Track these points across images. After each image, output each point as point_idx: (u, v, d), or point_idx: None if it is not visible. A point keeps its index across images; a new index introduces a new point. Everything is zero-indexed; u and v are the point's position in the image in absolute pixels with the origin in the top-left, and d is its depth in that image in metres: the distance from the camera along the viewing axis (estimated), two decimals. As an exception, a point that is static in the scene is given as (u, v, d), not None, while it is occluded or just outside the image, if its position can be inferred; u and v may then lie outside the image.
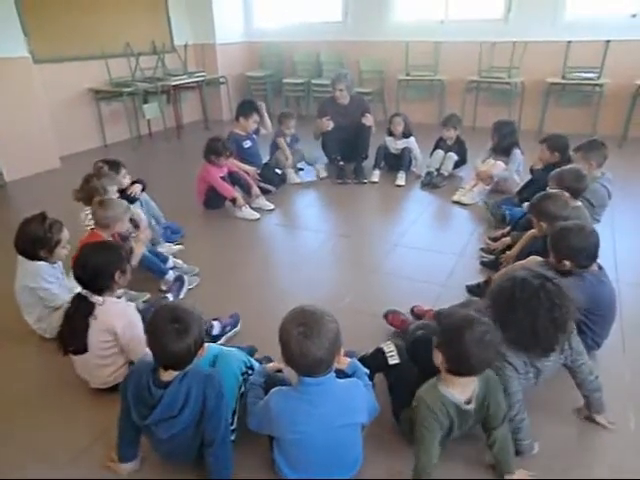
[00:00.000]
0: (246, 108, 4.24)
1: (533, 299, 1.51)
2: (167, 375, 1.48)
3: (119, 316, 1.87)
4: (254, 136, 4.36)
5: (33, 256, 2.21)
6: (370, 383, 1.64)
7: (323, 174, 4.51)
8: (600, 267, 2.02)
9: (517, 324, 1.53)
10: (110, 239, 2.45)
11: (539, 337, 1.52)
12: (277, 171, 4.32)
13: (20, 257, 2.24)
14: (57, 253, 2.25)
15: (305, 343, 1.34)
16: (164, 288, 2.68)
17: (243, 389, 1.68)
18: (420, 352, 1.73)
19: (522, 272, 1.61)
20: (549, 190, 2.53)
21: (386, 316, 2.33)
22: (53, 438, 1.79)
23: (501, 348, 1.57)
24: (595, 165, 2.93)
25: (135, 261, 2.53)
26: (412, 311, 2.38)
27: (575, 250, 1.91)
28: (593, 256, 1.94)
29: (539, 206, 2.35)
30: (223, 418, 1.50)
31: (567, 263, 1.92)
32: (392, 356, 1.73)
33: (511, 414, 1.59)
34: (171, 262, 2.87)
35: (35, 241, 2.18)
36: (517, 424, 1.60)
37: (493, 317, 1.56)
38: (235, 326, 2.34)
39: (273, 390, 1.51)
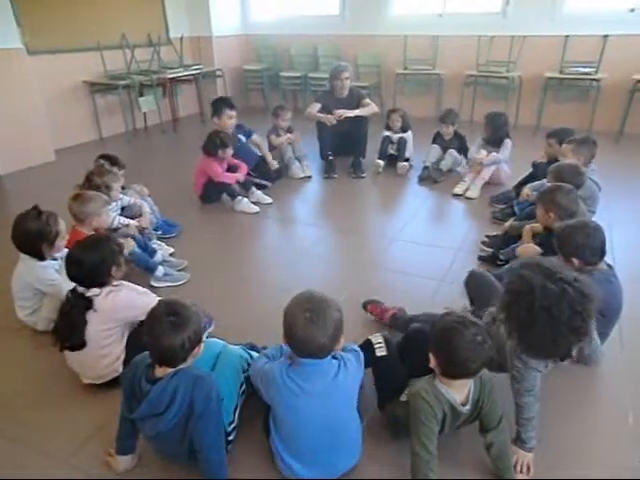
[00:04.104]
0: (216, 107, 4.05)
1: (554, 308, 1.36)
2: (160, 371, 1.45)
3: (120, 303, 1.84)
4: (240, 136, 4.15)
5: (35, 252, 2.17)
6: (358, 349, 1.62)
7: (308, 173, 4.42)
8: (610, 266, 2.01)
9: (539, 335, 1.40)
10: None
11: (559, 347, 1.43)
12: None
13: (23, 255, 2.20)
14: (57, 245, 2.22)
15: (310, 328, 1.37)
16: (154, 285, 2.65)
17: (245, 387, 1.67)
18: (411, 347, 1.74)
19: (539, 277, 1.41)
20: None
21: (365, 306, 2.36)
22: (50, 434, 1.78)
23: (522, 356, 1.54)
24: (582, 161, 2.92)
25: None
26: (365, 307, 2.36)
27: (580, 247, 1.90)
28: (600, 252, 1.94)
29: (551, 196, 2.31)
30: (212, 423, 1.44)
31: (575, 261, 1.92)
32: (380, 348, 1.72)
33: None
34: (160, 255, 2.83)
35: (37, 237, 2.13)
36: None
37: (511, 328, 1.47)
38: (210, 325, 2.30)
39: (274, 362, 1.54)
